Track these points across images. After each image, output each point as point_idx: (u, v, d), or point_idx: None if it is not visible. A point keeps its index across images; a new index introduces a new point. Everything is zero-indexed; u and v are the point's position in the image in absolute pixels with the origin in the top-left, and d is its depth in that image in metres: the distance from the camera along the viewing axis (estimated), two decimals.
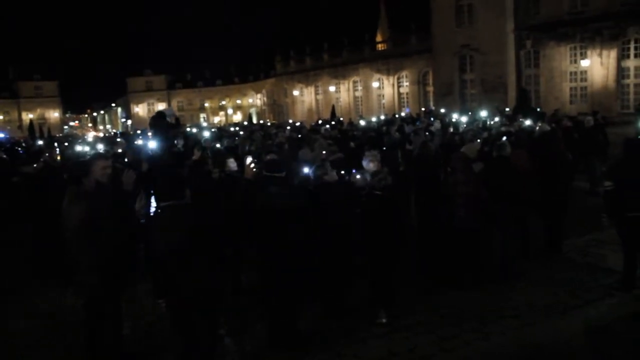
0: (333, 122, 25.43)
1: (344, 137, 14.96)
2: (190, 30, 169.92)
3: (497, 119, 19.31)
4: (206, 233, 4.79)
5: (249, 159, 6.07)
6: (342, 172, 7.64)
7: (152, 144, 10.93)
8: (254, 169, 6.01)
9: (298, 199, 5.99)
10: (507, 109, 24.72)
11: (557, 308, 6.54)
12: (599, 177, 12.75)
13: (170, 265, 4.70)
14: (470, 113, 24.13)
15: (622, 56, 31.71)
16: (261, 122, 48.44)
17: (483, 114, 23.30)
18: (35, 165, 9.79)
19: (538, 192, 8.15)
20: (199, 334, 4.86)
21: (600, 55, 32.20)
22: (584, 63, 32.96)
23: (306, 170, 7.17)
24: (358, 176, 6.92)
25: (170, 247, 4.64)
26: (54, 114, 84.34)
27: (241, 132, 23.29)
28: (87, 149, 15.50)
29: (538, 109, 24.25)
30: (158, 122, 10.68)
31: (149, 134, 18.63)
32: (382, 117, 28.98)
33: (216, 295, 4.97)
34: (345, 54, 55.05)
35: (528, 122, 15.75)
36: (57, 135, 54.75)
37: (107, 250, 5.15)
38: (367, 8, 61.23)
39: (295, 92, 61.85)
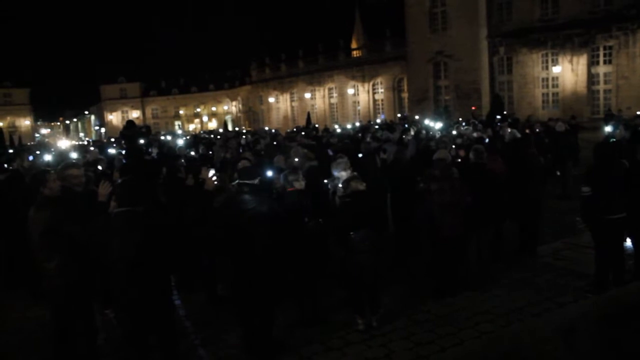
0: (308, 129, 25.41)
1: (319, 144, 14.93)
2: (165, 37, 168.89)
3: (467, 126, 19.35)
4: (160, 240, 4.72)
5: (211, 171, 5.99)
6: (322, 180, 7.64)
7: (124, 153, 10.85)
8: (215, 182, 5.94)
9: (271, 206, 5.94)
10: (498, 116, 24.41)
11: (531, 311, 6.57)
12: (570, 181, 12.94)
13: (119, 272, 4.62)
14: (445, 118, 24.25)
15: (592, 63, 32.38)
16: (237, 129, 48.21)
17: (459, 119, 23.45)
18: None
19: (512, 197, 8.22)
20: (153, 343, 4.77)
21: (570, 61, 32.84)
22: (555, 69, 33.60)
23: (269, 174, 7.14)
24: (339, 185, 6.89)
25: (120, 254, 4.57)
26: (25, 122, 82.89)
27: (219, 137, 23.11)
28: (57, 157, 15.20)
29: (509, 119, 24.12)
30: (128, 132, 10.65)
31: (123, 142, 18.44)
32: (357, 124, 29.06)
33: (166, 302, 4.88)
34: (321, 61, 55.23)
35: (508, 129, 15.79)
36: (29, 143, 53.87)
37: (74, 258, 5.06)
38: (342, 15, 61.74)
39: (271, 99, 61.79)
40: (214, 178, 5.91)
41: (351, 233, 6.29)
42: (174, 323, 5.10)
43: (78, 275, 5.14)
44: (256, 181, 5.98)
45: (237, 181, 6.07)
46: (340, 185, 6.95)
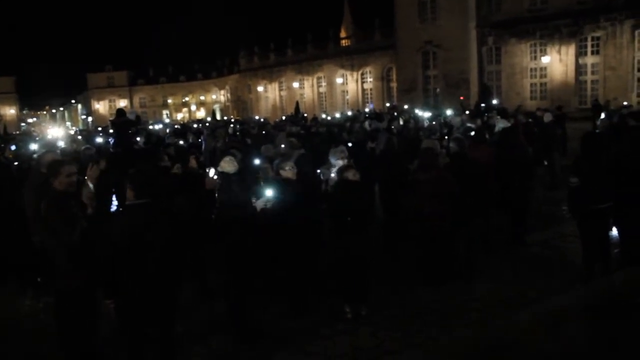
0: (296, 118, 25.41)
1: (307, 133, 14.93)
2: (153, 25, 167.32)
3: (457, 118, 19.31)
4: (179, 233, 4.67)
5: (212, 171, 5.91)
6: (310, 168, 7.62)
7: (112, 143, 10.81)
8: (217, 180, 5.88)
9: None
10: (482, 105, 24.37)
11: (519, 300, 6.62)
12: (558, 170, 13.01)
13: (134, 266, 4.56)
14: (433, 109, 24.28)
15: (580, 53, 32.52)
16: (225, 118, 48.02)
17: (448, 111, 23.42)
18: None
19: (499, 187, 8.25)
20: (152, 338, 4.74)
21: (559, 52, 32.95)
22: (544, 60, 33.71)
23: (257, 162, 7.13)
24: (332, 174, 6.87)
25: (140, 249, 4.50)
26: (10, 111, 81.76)
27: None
28: (41, 146, 15.06)
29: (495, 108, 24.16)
30: (118, 120, 10.64)
31: (110, 131, 18.33)
32: (350, 113, 29.02)
33: (173, 296, 4.85)
34: (310, 50, 55.01)
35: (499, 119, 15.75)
36: (14, 132, 53.28)
37: (86, 256, 5.02)
38: (331, 4, 61.47)
39: (259, 88, 61.54)
40: (215, 177, 5.81)
41: (339, 222, 6.32)
42: (174, 321, 5.05)
43: (90, 272, 5.07)
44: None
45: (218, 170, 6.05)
46: (332, 175, 6.96)
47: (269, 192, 6.02)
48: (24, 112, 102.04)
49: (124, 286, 4.60)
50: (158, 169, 7.80)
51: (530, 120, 15.02)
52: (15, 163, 10.99)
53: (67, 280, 4.96)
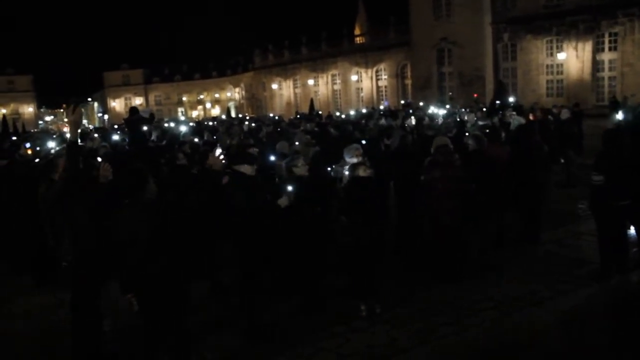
0: (311, 116, 25.40)
1: (322, 131, 14.91)
2: (168, 24, 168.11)
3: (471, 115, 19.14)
4: (169, 230, 4.69)
5: (218, 150, 5.94)
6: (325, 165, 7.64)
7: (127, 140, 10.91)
8: (223, 161, 5.90)
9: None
10: (497, 102, 24.16)
11: (533, 299, 6.59)
12: (573, 168, 12.91)
13: (132, 260, 4.62)
14: (448, 106, 24.09)
15: (597, 49, 32.15)
16: (240, 115, 48.16)
17: (462, 108, 23.27)
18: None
19: (514, 185, 8.20)
20: (167, 331, 4.78)
21: (575, 48, 32.61)
22: (560, 56, 33.38)
23: (272, 158, 7.15)
24: (346, 172, 6.88)
25: (132, 243, 4.57)
26: (28, 109, 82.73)
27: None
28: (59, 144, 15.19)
29: (511, 102, 23.98)
30: (130, 118, 10.78)
31: (126, 129, 18.44)
32: (364, 111, 28.95)
33: (180, 294, 4.86)
34: (324, 48, 54.93)
35: (515, 116, 15.56)
36: (32, 130, 53.79)
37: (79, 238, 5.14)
38: (346, 1, 61.29)
39: (274, 86, 61.60)
40: (222, 157, 5.83)
41: (351, 218, 6.33)
42: (184, 317, 5.07)
43: (85, 257, 5.16)
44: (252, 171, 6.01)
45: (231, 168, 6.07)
46: (345, 172, 6.97)
47: (289, 188, 6.06)
48: (42, 110, 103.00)
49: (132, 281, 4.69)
50: (140, 170, 7.83)
51: (550, 117, 14.89)
52: (37, 160, 11.10)
53: (79, 275, 5.07)
